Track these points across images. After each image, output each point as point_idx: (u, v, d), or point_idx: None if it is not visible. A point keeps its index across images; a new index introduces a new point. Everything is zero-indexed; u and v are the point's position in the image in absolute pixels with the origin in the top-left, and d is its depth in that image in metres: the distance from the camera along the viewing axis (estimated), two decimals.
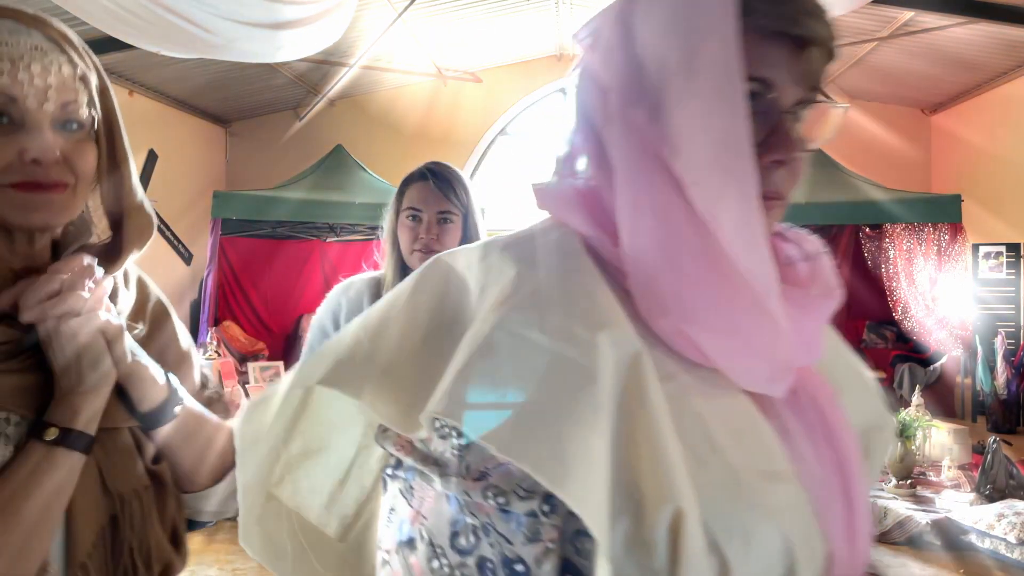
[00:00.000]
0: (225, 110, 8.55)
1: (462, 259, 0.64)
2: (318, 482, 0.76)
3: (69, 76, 0.76)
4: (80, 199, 0.81)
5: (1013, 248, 6.65)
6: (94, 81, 0.80)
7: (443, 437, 0.58)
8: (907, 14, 5.98)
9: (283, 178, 7.20)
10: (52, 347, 0.75)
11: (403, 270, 1.63)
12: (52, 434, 0.73)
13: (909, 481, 4.29)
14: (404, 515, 0.61)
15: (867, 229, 6.48)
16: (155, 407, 0.83)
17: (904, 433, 4.28)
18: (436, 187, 1.61)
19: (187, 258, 8.30)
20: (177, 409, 0.86)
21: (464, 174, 1.70)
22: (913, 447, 4.41)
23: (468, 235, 1.66)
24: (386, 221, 1.68)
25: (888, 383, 7.27)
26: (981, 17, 5.51)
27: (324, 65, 7.23)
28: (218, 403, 0.98)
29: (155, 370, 0.85)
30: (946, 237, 6.20)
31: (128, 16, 3.92)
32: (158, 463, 0.85)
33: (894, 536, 3.97)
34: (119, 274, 0.88)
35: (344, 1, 4.63)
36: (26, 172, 0.73)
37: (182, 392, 0.88)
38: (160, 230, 7.93)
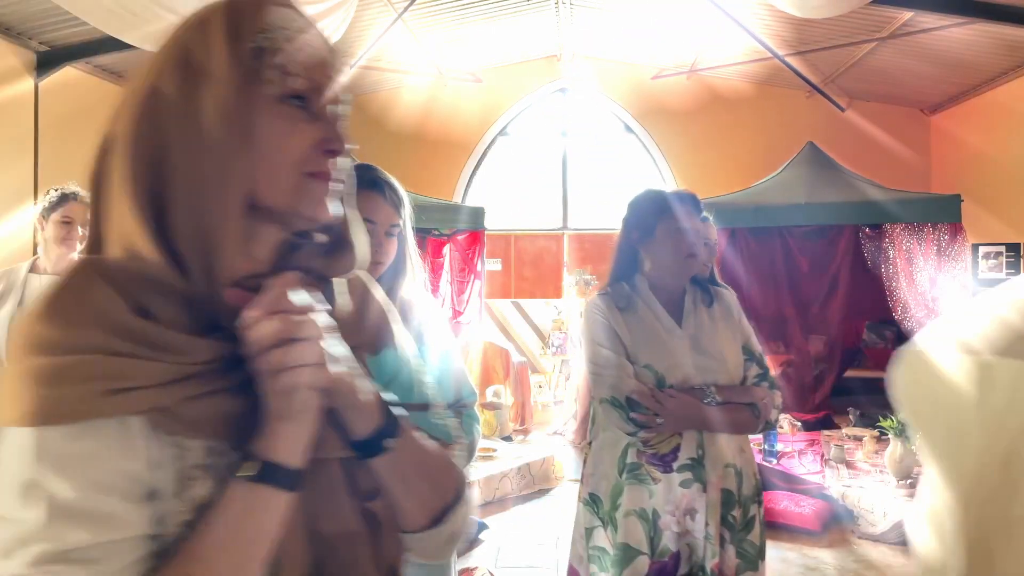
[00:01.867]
0: None
1: None
2: None
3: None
4: None
5: (1013, 248, 6.65)
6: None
7: None
8: (906, 15, 5.98)
9: None
10: (266, 380, 0.64)
11: None
12: (253, 469, 0.63)
13: (909, 481, 4.29)
14: None
15: (867, 229, 6.48)
16: (370, 434, 0.72)
17: (904, 433, 4.28)
18: (389, 200, 1.56)
19: None
20: (395, 438, 0.73)
21: (399, 184, 1.64)
22: (912, 447, 4.41)
23: (404, 244, 1.61)
24: None
25: (887, 383, 7.26)
26: (980, 17, 5.51)
27: None
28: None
29: (371, 391, 0.73)
30: (946, 237, 6.20)
31: (128, 16, 3.92)
32: (373, 499, 0.74)
33: (893, 536, 3.97)
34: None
35: (344, 1, 4.63)
36: (320, 163, 0.67)
37: (400, 416, 0.76)
38: None
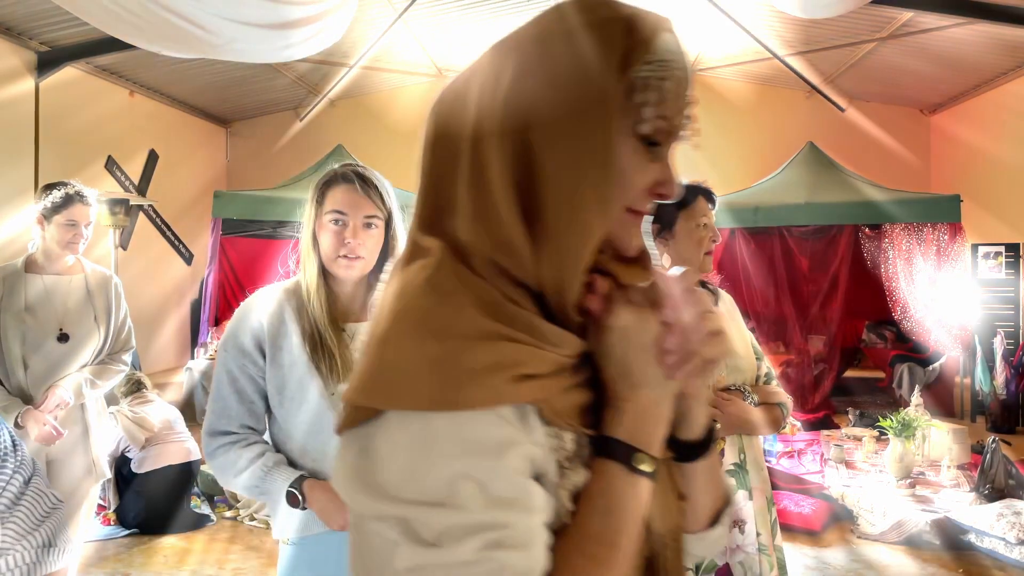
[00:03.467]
0: (225, 110, 8.56)
1: None
2: None
3: None
4: None
5: (1012, 248, 6.66)
6: None
7: None
8: (906, 15, 5.99)
9: (283, 178, 7.21)
10: (682, 373, 0.65)
11: (325, 276, 1.55)
12: (646, 464, 0.64)
13: (909, 481, 4.29)
14: None
15: (866, 229, 6.48)
16: (699, 436, 0.74)
17: (903, 433, 4.29)
18: (362, 191, 1.54)
19: (187, 258, 8.30)
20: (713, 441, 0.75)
21: (384, 178, 1.61)
22: (912, 447, 4.42)
23: (390, 240, 1.59)
24: (304, 223, 1.57)
25: (887, 383, 7.28)
26: (980, 17, 5.52)
27: (324, 65, 7.23)
28: None
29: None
30: (945, 237, 6.20)
31: (128, 16, 3.93)
32: (682, 500, 0.75)
33: (893, 536, 3.97)
34: None
35: (345, 1, 4.63)
36: (645, 203, 0.67)
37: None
38: (160, 230, 7.94)
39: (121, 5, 3.83)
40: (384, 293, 0.66)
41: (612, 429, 0.64)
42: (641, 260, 0.70)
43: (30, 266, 2.60)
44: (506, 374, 0.58)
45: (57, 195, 2.55)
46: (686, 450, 0.73)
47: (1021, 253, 6.66)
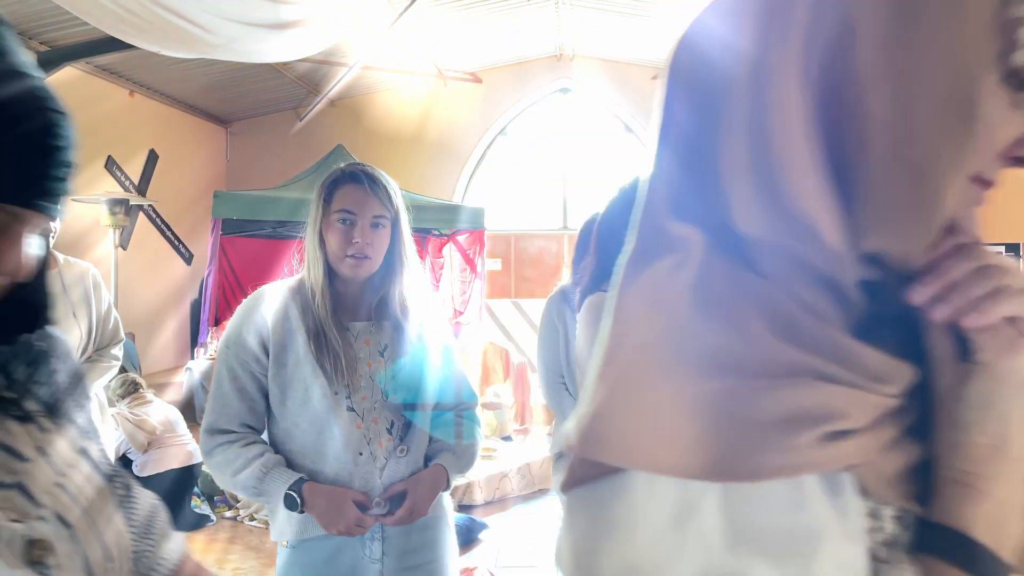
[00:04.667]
0: (225, 110, 8.55)
1: None
2: None
3: None
4: None
5: (1013, 248, 6.65)
6: None
7: None
8: None
9: (284, 178, 7.20)
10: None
11: (331, 275, 1.55)
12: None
13: None
14: None
15: None
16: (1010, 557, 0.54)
17: None
18: (371, 190, 1.54)
19: (187, 258, 8.30)
20: None
21: (391, 178, 1.62)
22: None
23: (397, 240, 1.58)
24: (309, 222, 1.56)
25: None
26: None
27: (324, 65, 7.23)
28: None
29: None
30: None
31: (128, 16, 3.92)
32: None
33: None
34: None
35: (345, 1, 4.63)
36: (996, 169, 0.46)
37: None
38: (160, 230, 7.94)
39: (121, 5, 3.82)
40: (615, 301, 0.47)
41: (964, 518, 0.44)
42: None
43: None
44: (813, 429, 0.40)
45: None
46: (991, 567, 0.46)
47: (1021, 253, 6.65)
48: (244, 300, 1.60)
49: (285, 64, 6.73)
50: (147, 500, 0.82)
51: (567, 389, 2.64)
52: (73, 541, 0.63)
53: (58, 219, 0.65)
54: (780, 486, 0.39)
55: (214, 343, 6.37)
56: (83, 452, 0.71)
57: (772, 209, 0.44)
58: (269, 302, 1.55)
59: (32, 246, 0.63)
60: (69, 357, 0.74)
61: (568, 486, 0.46)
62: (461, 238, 6.10)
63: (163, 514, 0.84)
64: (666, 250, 0.46)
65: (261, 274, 7.85)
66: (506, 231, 7.94)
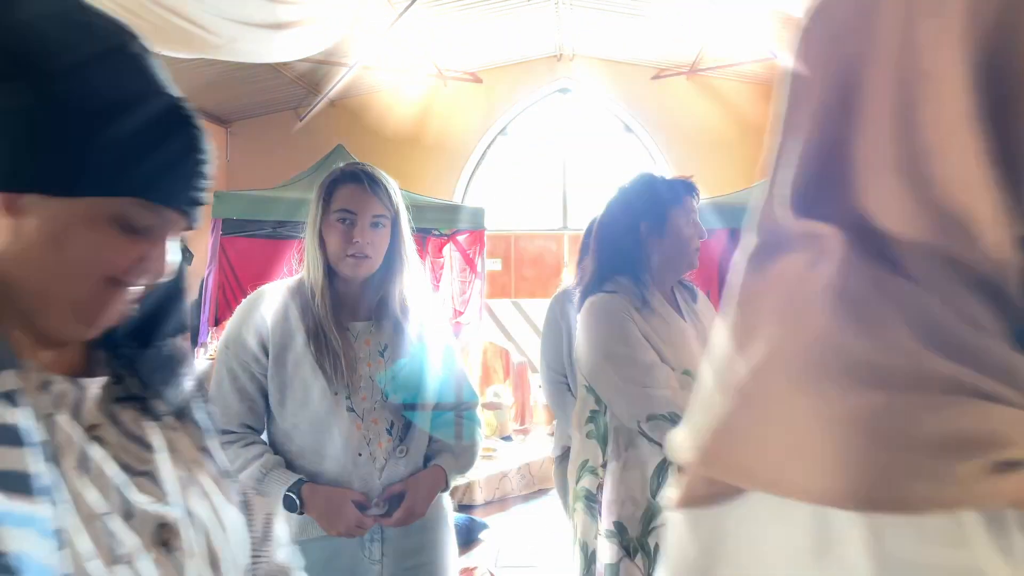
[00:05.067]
0: (225, 110, 8.55)
1: None
2: None
3: None
4: None
5: None
6: None
7: None
8: None
9: (284, 178, 7.20)
10: None
11: (330, 275, 1.54)
12: None
13: None
14: None
15: None
16: None
17: None
18: (371, 190, 1.53)
19: (187, 258, 8.30)
20: None
21: (391, 178, 1.61)
22: None
23: (397, 239, 1.58)
24: (309, 222, 1.56)
25: None
26: None
27: (324, 65, 7.23)
28: None
29: None
30: None
31: (128, 16, 3.91)
32: None
33: None
34: None
35: (345, 1, 4.63)
36: None
37: None
38: None
39: (121, 5, 3.82)
40: (736, 300, 0.42)
41: None
42: None
43: None
44: (977, 457, 0.34)
45: None
46: None
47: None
48: (243, 300, 1.60)
49: (285, 64, 6.73)
50: (263, 508, 0.86)
51: (568, 388, 2.64)
52: (198, 531, 0.67)
53: (194, 227, 0.68)
54: (937, 520, 0.33)
55: (214, 343, 6.37)
56: (205, 450, 0.75)
57: (921, 203, 0.38)
58: (269, 302, 1.55)
59: (173, 251, 0.67)
60: (192, 363, 0.78)
61: (684, 504, 0.42)
62: (461, 238, 6.10)
63: (279, 523, 0.87)
64: (794, 248, 0.41)
65: (261, 274, 7.86)
66: (506, 231, 7.93)
